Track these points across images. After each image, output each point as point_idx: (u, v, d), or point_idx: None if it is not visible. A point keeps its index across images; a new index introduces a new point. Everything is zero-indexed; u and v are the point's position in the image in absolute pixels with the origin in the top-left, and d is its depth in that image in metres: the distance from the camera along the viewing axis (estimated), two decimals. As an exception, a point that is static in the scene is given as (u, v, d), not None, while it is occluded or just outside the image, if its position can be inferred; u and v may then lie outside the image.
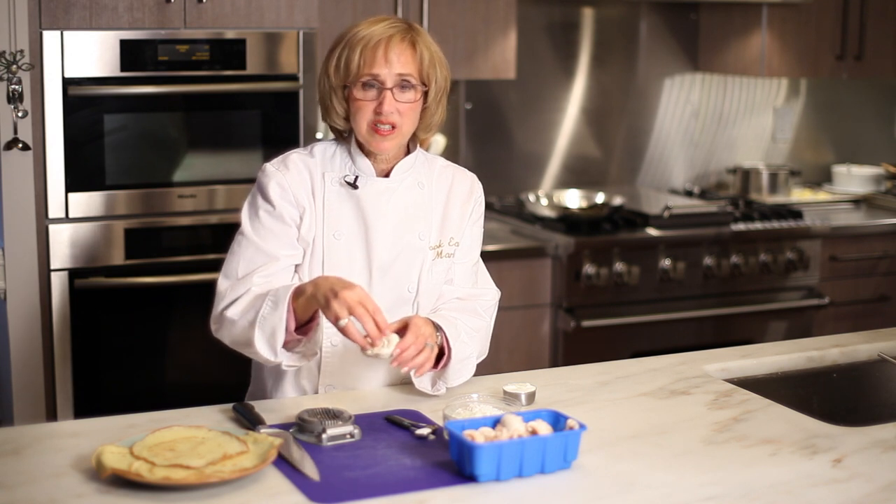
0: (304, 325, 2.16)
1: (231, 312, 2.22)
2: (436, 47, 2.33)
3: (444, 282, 2.39)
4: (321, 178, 2.33)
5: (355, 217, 2.32)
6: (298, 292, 2.13)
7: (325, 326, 2.31)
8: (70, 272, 3.36)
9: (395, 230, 2.33)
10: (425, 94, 2.31)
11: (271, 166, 2.34)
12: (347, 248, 2.31)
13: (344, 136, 2.37)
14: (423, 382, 2.28)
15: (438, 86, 2.32)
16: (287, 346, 2.17)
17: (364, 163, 2.34)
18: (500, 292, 2.47)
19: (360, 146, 2.34)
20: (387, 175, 2.36)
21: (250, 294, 2.21)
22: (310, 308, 2.12)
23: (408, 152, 2.39)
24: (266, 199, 2.31)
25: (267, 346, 2.16)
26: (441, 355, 2.25)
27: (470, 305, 2.38)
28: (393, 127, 2.26)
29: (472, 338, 2.31)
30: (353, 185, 2.33)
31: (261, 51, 3.49)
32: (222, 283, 2.28)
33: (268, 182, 2.31)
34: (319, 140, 2.44)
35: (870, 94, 5.14)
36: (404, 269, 2.34)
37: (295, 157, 2.36)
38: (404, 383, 2.37)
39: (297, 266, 2.31)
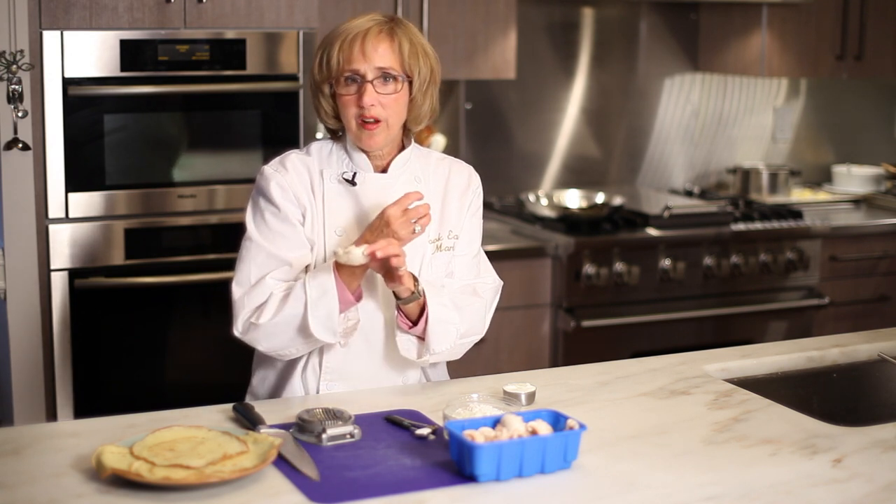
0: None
1: (264, 318, 2.23)
2: (420, 38, 2.32)
3: (444, 275, 2.39)
4: (319, 175, 2.34)
5: (355, 213, 2.33)
6: (337, 266, 2.19)
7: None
8: (70, 272, 3.36)
9: None
10: (410, 84, 2.30)
11: (269, 168, 2.35)
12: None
13: (338, 134, 2.38)
14: (408, 349, 2.29)
15: (423, 76, 2.31)
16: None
17: (361, 159, 2.35)
18: (502, 281, 2.47)
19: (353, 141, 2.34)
20: (384, 170, 2.36)
21: (276, 297, 2.23)
22: (356, 275, 2.19)
23: (402, 147, 2.39)
24: (269, 200, 2.31)
25: (325, 329, 2.20)
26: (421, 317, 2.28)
27: (469, 288, 2.39)
28: (377, 121, 2.26)
29: (458, 308, 2.32)
30: (352, 182, 2.33)
31: (261, 51, 3.49)
32: (237, 291, 2.29)
33: (267, 184, 2.32)
34: (317, 139, 2.44)
35: (870, 94, 5.14)
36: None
37: (293, 157, 2.36)
38: (404, 383, 2.38)
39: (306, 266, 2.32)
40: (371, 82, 2.25)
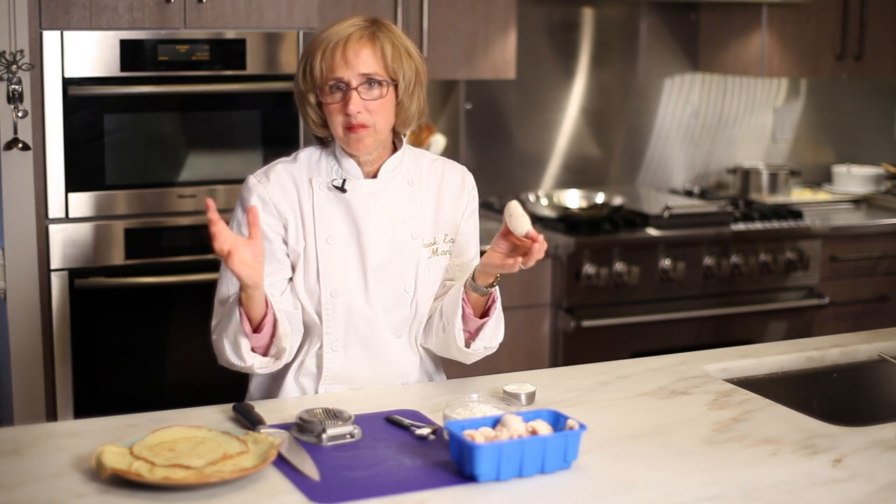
0: (260, 322, 2.17)
1: (214, 335, 2.27)
2: (403, 39, 2.30)
3: (441, 279, 2.38)
4: (308, 184, 2.32)
5: (346, 220, 2.31)
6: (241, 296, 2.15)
7: (326, 333, 2.31)
8: (70, 272, 3.36)
9: (386, 231, 2.33)
10: (396, 88, 2.28)
11: (253, 178, 2.33)
12: (341, 252, 2.30)
13: (326, 141, 2.37)
14: (460, 336, 2.28)
15: (408, 78, 2.29)
16: (266, 352, 2.20)
17: (350, 165, 2.33)
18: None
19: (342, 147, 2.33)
20: (374, 176, 2.35)
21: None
22: (249, 300, 2.13)
23: (395, 150, 2.38)
24: (247, 213, 2.30)
25: (234, 354, 2.19)
26: (482, 314, 2.29)
27: None
28: (364, 126, 2.24)
29: (500, 310, 2.34)
30: (342, 189, 2.32)
31: (261, 51, 3.49)
32: (214, 309, 2.31)
33: (249, 196, 2.31)
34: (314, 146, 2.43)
35: (870, 94, 5.14)
36: (399, 269, 2.34)
37: (279, 167, 2.34)
38: (404, 384, 2.38)
39: (291, 277, 2.31)
40: (356, 89, 2.23)
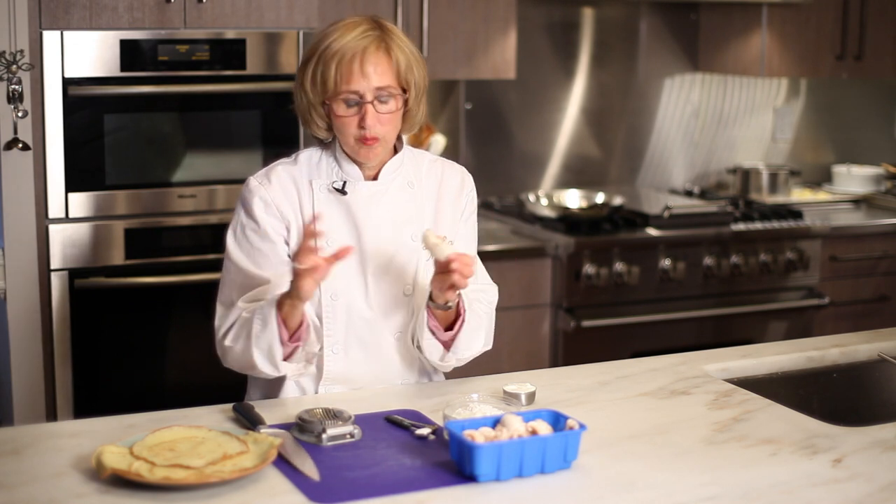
0: (296, 331, 2.17)
1: (228, 341, 2.24)
2: (410, 46, 2.29)
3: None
4: (308, 185, 2.32)
5: (346, 223, 2.31)
6: (281, 302, 2.14)
7: (326, 336, 2.31)
8: (70, 272, 3.36)
9: (387, 233, 2.32)
10: (406, 98, 2.29)
11: (254, 180, 2.33)
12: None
13: (326, 142, 2.36)
14: (432, 351, 2.28)
15: (418, 86, 2.30)
16: (289, 357, 2.19)
17: (351, 167, 2.33)
18: (496, 286, 2.47)
19: (346, 152, 2.33)
20: (374, 178, 2.34)
21: (240, 319, 2.23)
22: (293, 310, 2.13)
23: (395, 151, 2.37)
24: (250, 215, 2.29)
25: (268, 363, 2.18)
26: (451, 325, 2.27)
27: (473, 297, 2.37)
28: (376, 138, 2.25)
29: (479, 316, 2.32)
30: (342, 191, 2.31)
31: (261, 51, 3.49)
32: (218, 311, 2.30)
33: (251, 198, 2.30)
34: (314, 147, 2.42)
35: (870, 94, 5.14)
36: (399, 272, 2.33)
37: (279, 168, 2.34)
38: (404, 384, 2.38)
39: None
40: (371, 103, 2.23)
